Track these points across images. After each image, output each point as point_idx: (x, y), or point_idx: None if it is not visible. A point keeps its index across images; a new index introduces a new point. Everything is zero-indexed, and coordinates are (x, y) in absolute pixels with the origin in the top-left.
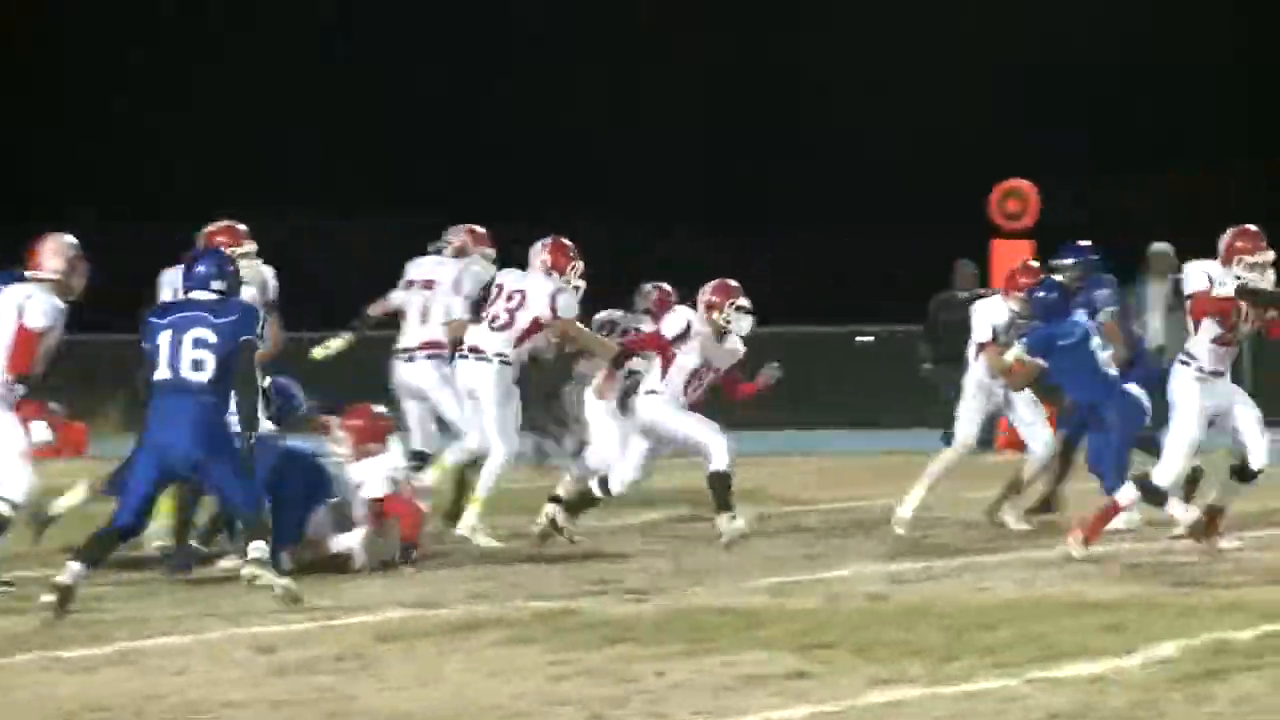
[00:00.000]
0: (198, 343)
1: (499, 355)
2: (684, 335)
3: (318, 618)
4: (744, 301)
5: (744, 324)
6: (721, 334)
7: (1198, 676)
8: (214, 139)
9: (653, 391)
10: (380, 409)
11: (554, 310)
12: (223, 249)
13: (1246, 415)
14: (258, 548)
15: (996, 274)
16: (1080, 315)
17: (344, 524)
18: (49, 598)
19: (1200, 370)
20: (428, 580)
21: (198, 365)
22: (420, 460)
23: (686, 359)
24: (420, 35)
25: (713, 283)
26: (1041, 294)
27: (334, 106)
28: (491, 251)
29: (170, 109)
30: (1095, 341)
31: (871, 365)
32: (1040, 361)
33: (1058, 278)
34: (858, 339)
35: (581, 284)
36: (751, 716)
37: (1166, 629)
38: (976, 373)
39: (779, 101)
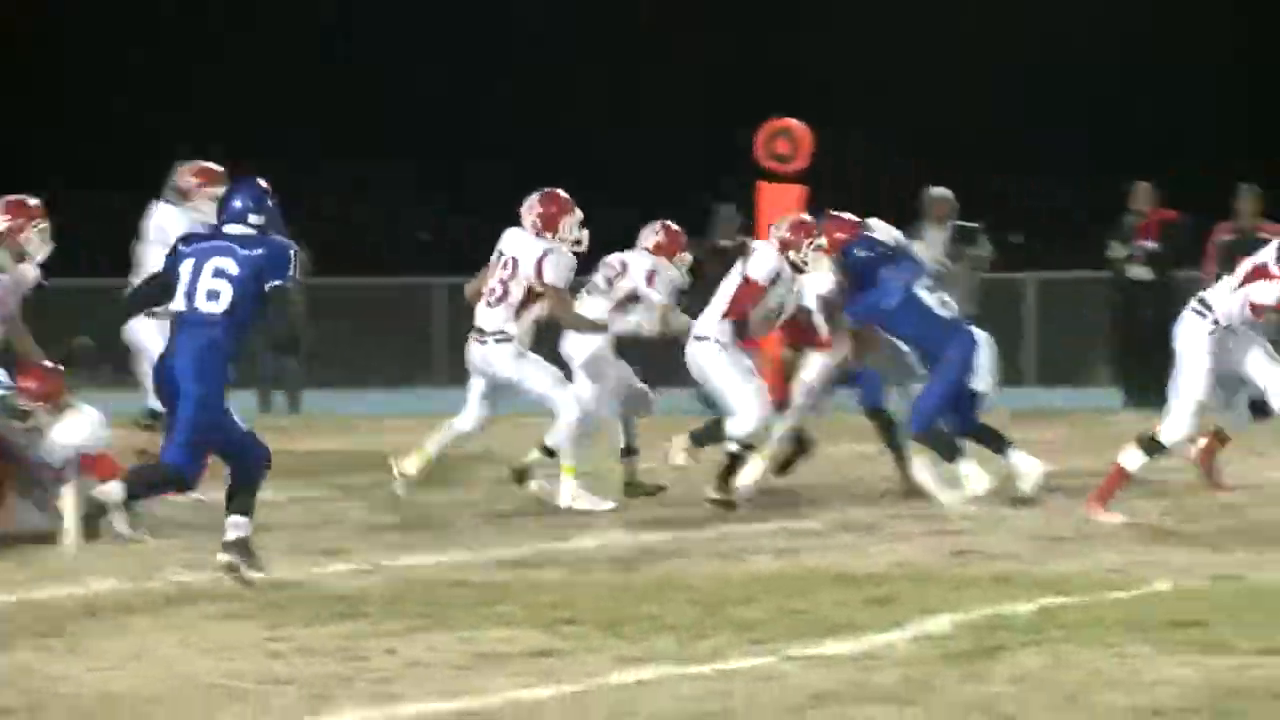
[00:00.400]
0: (218, 272)
1: (496, 334)
2: (776, 279)
3: (17, 590)
4: (823, 241)
5: (822, 265)
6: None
7: (973, 653)
8: (214, 139)
9: (704, 337)
10: (51, 365)
11: (540, 275)
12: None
13: (1259, 359)
14: (113, 490)
15: (763, 220)
16: (898, 270)
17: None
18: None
19: (1215, 324)
20: (138, 550)
21: (213, 295)
22: (154, 418)
23: (765, 304)
24: (420, 35)
25: (789, 218)
26: (861, 253)
27: (334, 106)
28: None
29: (170, 109)
30: (923, 285)
31: None
32: (875, 328)
33: (875, 234)
34: None
35: (583, 236)
36: (491, 698)
37: (940, 602)
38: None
39: (779, 101)
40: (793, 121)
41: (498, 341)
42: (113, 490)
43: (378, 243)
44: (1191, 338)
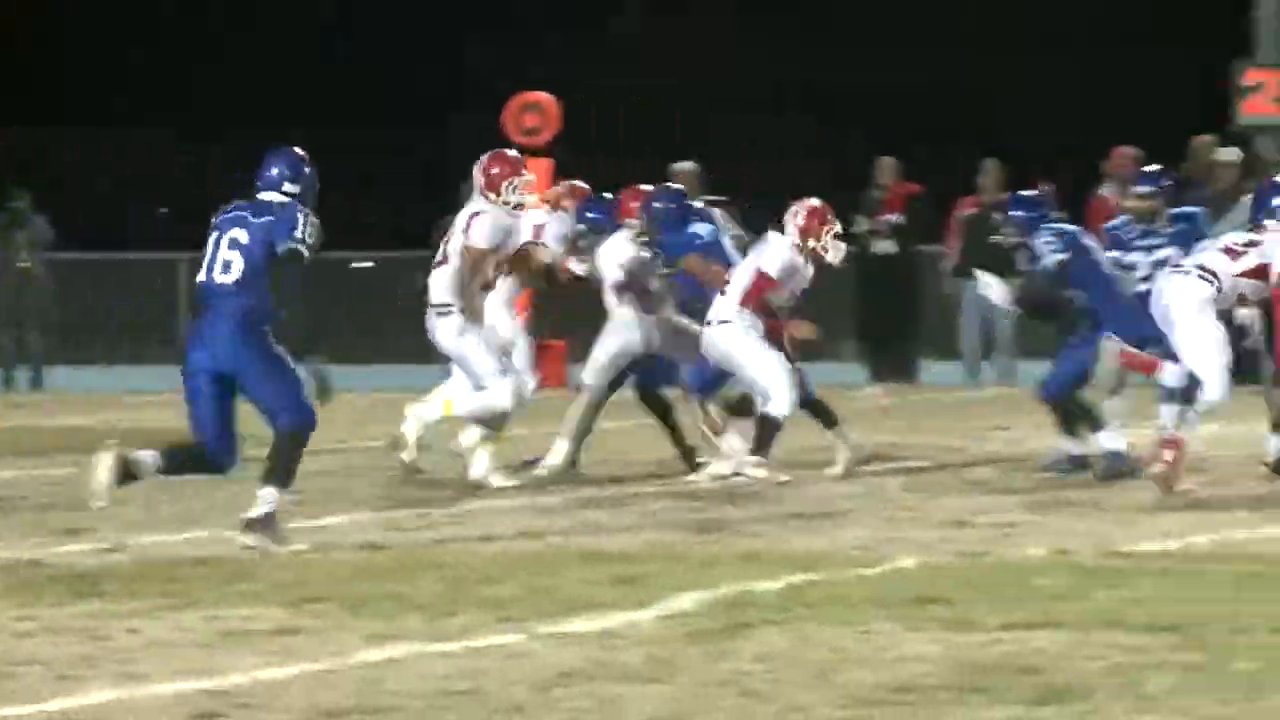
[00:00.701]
0: (231, 244)
1: (439, 306)
2: (792, 272)
3: None
4: (839, 228)
5: (838, 253)
6: (809, 259)
7: (718, 631)
8: (214, 139)
9: (726, 321)
10: None
11: (467, 234)
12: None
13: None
14: (267, 499)
15: None
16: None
17: None
18: (247, 538)
19: (1218, 292)
20: None
21: (226, 267)
22: None
23: (779, 292)
24: (420, 35)
25: (804, 205)
26: (660, 204)
27: (334, 106)
28: None
29: (170, 109)
30: (727, 240)
31: (369, 294)
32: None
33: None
34: (353, 265)
35: (526, 200)
36: (236, 676)
37: (685, 580)
38: (621, 316)
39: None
40: (541, 95)
41: (439, 314)
42: (268, 496)
43: (120, 217)
44: (1195, 303)
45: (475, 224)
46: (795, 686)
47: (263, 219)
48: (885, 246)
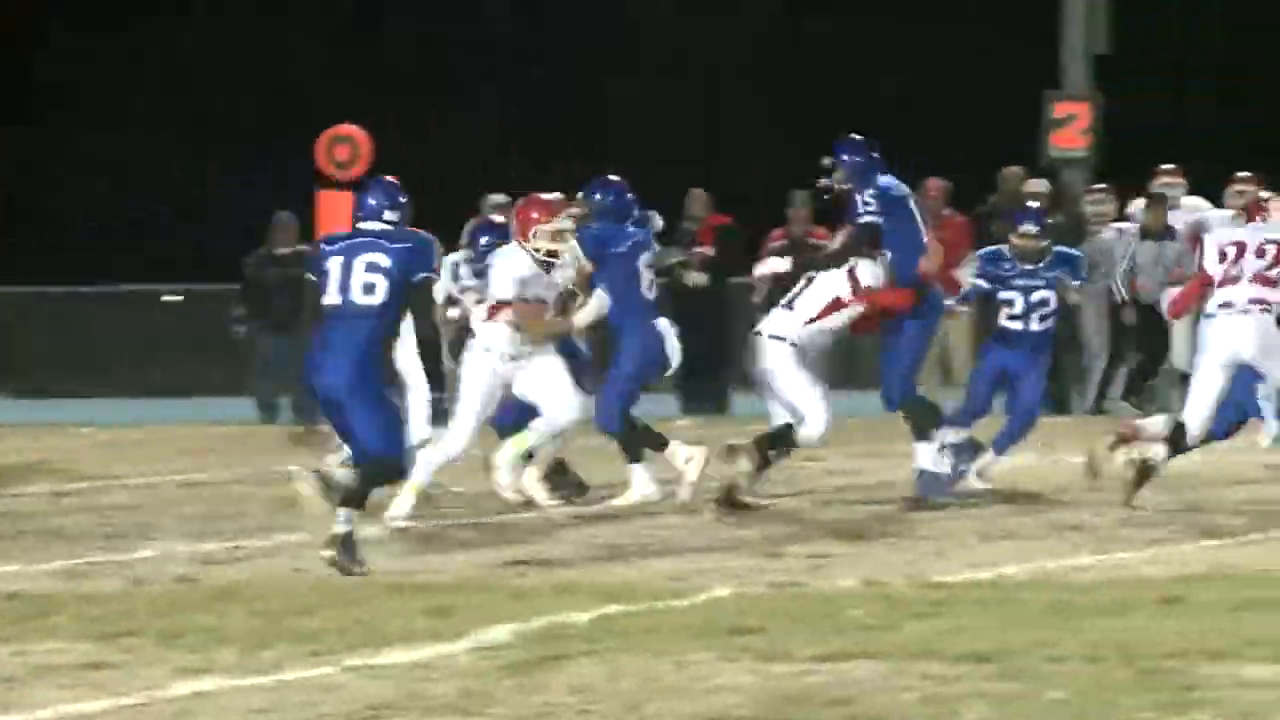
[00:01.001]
0: (370, 267)
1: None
2: None
3: None
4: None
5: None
6: None
7: (531, 663)
8: (214, 139)
9: (780, 338)
10: None
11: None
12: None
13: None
14: (344, 518)
15: (324, 225)
16: (633, 229)
17: None
18: (327, 553)
19: (1277, 317)
20: None
21: (369, 289)
22: None
23: (839, 319)
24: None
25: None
26: (599, 196)
27: (341, 99)
28: None
29: (170, 109)
30: (645, 257)
31: (180, 327)
32: (588, 265)
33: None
34: (164, 298)
35: (560, 247)
36: (43, 711)
37: (498, 612)
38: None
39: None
40: (353, 128)
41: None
42: (343, 518)
43: None
44: (1275, 332)
45: (491, 274)
46: (609, 718)
47: (400, 245)
48: (697, 279)
